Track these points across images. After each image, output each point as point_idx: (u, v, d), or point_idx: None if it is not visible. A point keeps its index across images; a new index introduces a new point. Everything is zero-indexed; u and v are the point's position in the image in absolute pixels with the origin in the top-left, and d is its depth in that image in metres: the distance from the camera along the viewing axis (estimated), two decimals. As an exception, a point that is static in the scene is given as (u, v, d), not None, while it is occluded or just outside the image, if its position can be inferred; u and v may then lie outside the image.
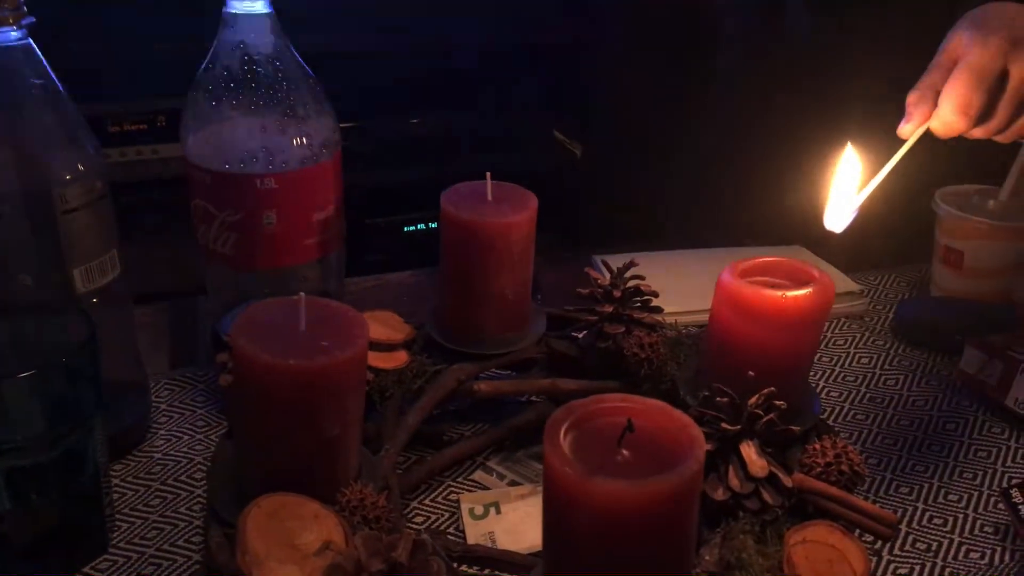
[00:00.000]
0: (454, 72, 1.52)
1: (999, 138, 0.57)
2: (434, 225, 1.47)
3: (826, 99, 0.98)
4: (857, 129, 0.58)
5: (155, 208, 1.26)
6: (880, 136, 0.57)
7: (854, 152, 0.53)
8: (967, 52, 0.53)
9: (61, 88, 0.52)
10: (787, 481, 0.46)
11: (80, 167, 0.52)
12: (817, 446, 0.49)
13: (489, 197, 0.57)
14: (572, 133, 1.57)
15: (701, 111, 1.31)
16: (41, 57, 0.51)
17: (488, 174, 0.57)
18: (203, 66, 0.56)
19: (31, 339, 0.52)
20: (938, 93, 0.53)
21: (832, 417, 0.66)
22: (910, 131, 0.54)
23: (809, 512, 0.47)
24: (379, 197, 1.40)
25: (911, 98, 0.55)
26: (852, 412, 0.67)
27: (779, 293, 0.49)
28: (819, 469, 0.48)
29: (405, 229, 1.47)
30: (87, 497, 0.51)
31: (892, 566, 0.53)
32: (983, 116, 0.54)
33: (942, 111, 0.52)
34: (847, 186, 0.53)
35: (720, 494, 0.45)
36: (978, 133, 0.55)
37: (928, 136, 0.56)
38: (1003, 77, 0.53)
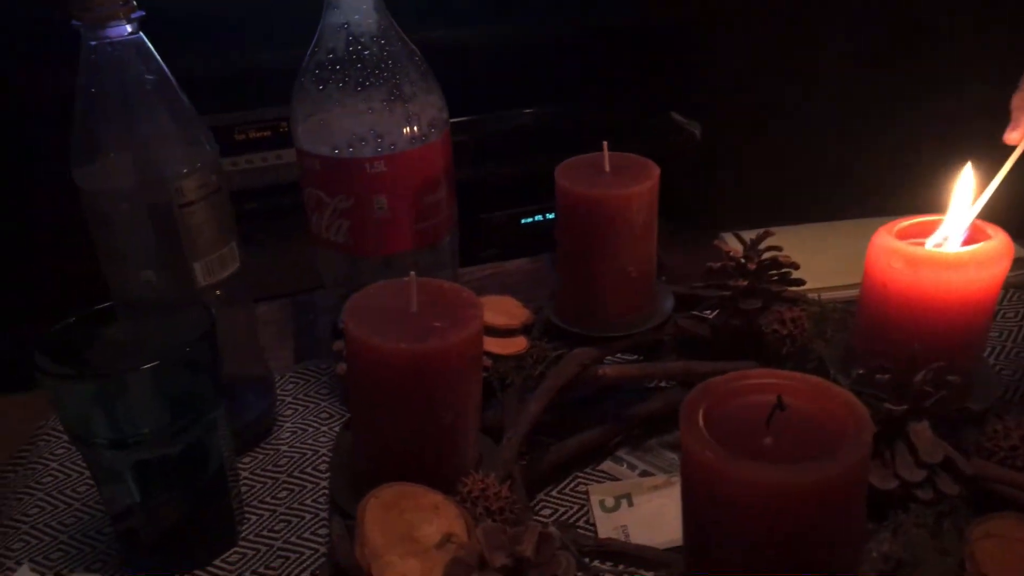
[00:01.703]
0: (564, 59, 1.49)
1: None
2: (551, 216, 1.45)
3: (952, 64, 0.90)
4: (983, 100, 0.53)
5: (281, 213, 1.29)
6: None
7: (971, 170, 0.49)
8: None
9: (174, 82, 0.52)
10: (966, 467, 0.40)
11: (195, 160, 0.52)
12: (999, 428, 0.42)
13: (607, 168, 0.54)
14: (690, 114, 1.51)
15: (821, 84, 1.24)
16: (153, 51, 0.51)
17: (605, 143, 0.53)
18: (309, 51, 0.56)
19: (155, 335, 0.53)
20: None
21: (1007, 398, 0.58)
22: (1018, 138, 0.50)
23: (991, 504, 0.41)
24: (494, 191, 1.39)
25: (1016, 101, 0.51)
26: (1031, 392, 0.59)
27: (949, 250, 0.42)
28: (1002, 454, 0.42)
29: (522, 222, 1.45)
30: (214, 490, 0.51)
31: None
32: None
33: None
34: (962, 202, 0.48)
35: (887, 483, 0.40)
36: None
37: None
38: None
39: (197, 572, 0.50)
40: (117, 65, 0.50)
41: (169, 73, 0.52)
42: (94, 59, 0.50)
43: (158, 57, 0.51)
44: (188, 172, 0.52)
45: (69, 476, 0.58)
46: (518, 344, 0.55)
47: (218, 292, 0.55)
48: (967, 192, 0.47)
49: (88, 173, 0.51)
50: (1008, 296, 0.69)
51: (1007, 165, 0.49)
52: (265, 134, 1.39)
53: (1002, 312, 0.68)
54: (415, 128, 0.55)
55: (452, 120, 0.59)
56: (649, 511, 0.52)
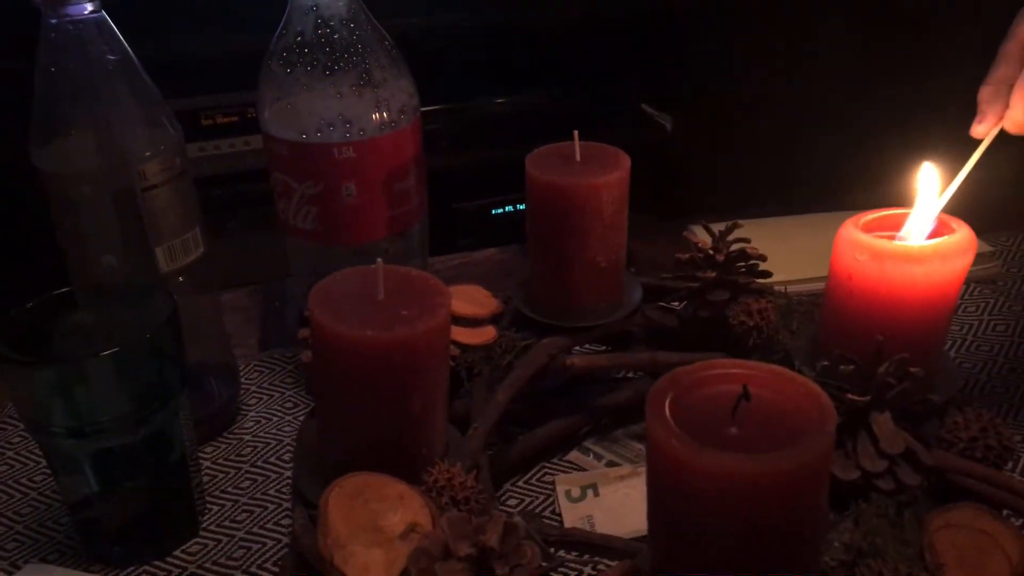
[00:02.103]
0: (537, 49, 1.48)
1: None
2: (523, 207, 1.44)
3: (928, 64, 0.91)
4: (960, 99, 0.54)
5: (249, 200, 1.27)
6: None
7: (931, 166, 0.50)
8: None
9: (137, 62, 0.51)
10: (926, 458, 0.41)
11: (159, 143, 0.51)
12: (959, 419, 0.43)
13: (577, 158, 0.54)
14: (661, 106, 1.51)
15: (793, 78, 1.25)
16: (116, 31, 0.50)
17: (576, 132, 0.53)
18: (276, 33, 0.55)
19: (117, 321, 0.51)
20: (1011, 87, 0.50)
21: (967, 390, 0.59)
22: (984, 131, 0.51)
23: (950, 494, 0.42)
24: (465, 180, 1.38)
25: (983, 94, 0.51)
26: (990, 384, 0.60)
27: (913, 243, 0.43)
28: (962, 445, 0.42)
29: (493, 212, 1.44)
30: (175, 480, 0.50)
31: (1047, 556, 0.47)
32: None
33: (1014, 113, 0.49)
34: (927, 196, 0.49)
35: (849, 473, 0.40)
36: None
37: None
38: None
39: (158, 562, 0.49)
40: (78, 44, 0.49)
41: (132, 53, 0.51)
42: (54, 37, 0.48)
43: (121, 37, 0.50)
44: (151, 155, 0.51)
45: (26, 465, 0.57)
46: (487, 334, 0.55)
47: (181, 278, 0.54)
48: (932, 186, 0.48)
49: (48, 154, 0.50)
50: (970, 290, 0.71)
51: (972, 159, 0.49)
52: (233, 119, 1.37)
53: (963, 306, 0.69)
54: (385, 114, 0.54)
55: (423, 109, 0.58)
56: (615, 501, 0.52)
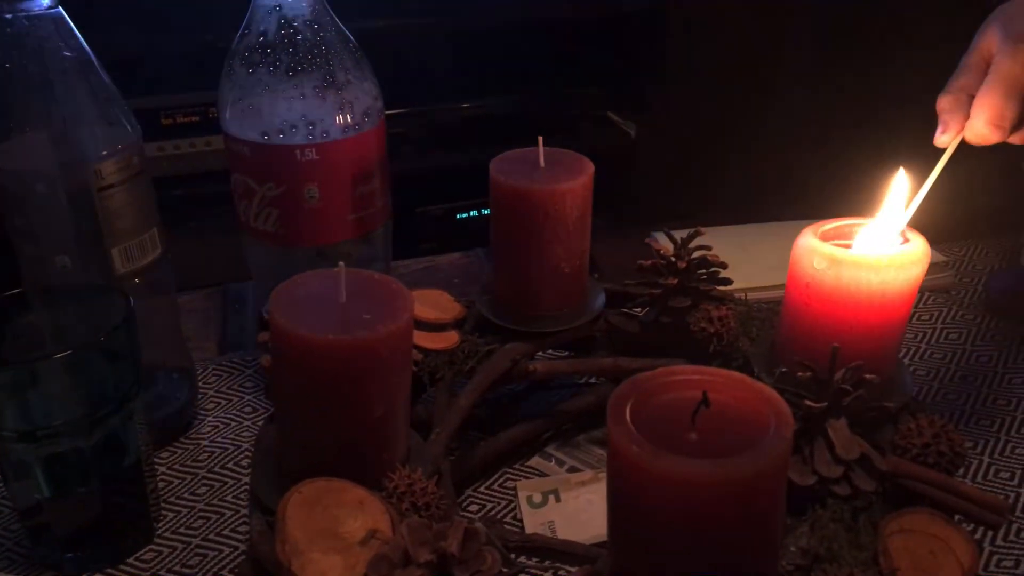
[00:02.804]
0: (503, 53, 1.48)
1: None
2: (487, 211, 1.44)
3: (896, 72, 0.93)
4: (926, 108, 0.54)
5: (210, 201, 1.25)
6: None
7: (905, 175, 0.50)
8: (997, 60, 0.50)
9: (94, 60, 0.50)
10: (881, 464, 0.41)
11: (116, 142, 0.50)
12: (912, 426, 0.44)
13: (541, 163, 0.54)
14: (626, 114, 1.52)
15: (760, 89, 1.26)
16: (73, 28, 0.49)
17: (540, 138, 0.53)
18: (239, 33, 0.54)
19: (70, 323, 0.50)
20: (971, 97, 0.50)
21: (920, 397, 0.61)
22: (947, 141, 0.51)
23: (904, 499, 0.43)
24: (429, 184, 1.37)
25: (943, 103, 0.52)
26: (942, 392, 0.62)
27: (870, 252, 0.44)
28: (915, 451, 0.43)
29: (458, 216, 1.44)
30: (130, 485, 0.49)
31: (995, 558, 0.48)
32: (1020, 124, 0.50)
33: (975, 123, 0.50)
34: (893, 206, 0.49)
35: (806, 479, 0.41)
36: (1016, 140, 0.52)
37: None
38: None
39: (111, 570, 0.48)
40: (34, 40, 0.48)
41: (89, 50, 0.50)
42: (9, 32, 0.47)
43: (78, 34, 0.49)
44: (108, 154, 0.50)
45: (-27, 470, 0.55)
46: (449, 339, 0.55)
47: (138, 280, 0.53)
48: (900, 196, 0.48)
49: (2, 152, 0.49)
50: (923, 299, 0.72)
51: (937, 168, 0.50)
52: (193, 119, 1.35)
53: (917, 315, 0.70)
54: (348, 116, 0.54)
55: (388, 112, 0.58)
56: (576, 507, 0.52)
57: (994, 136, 0.50)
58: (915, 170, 0.50)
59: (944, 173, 0.50)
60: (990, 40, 0.51)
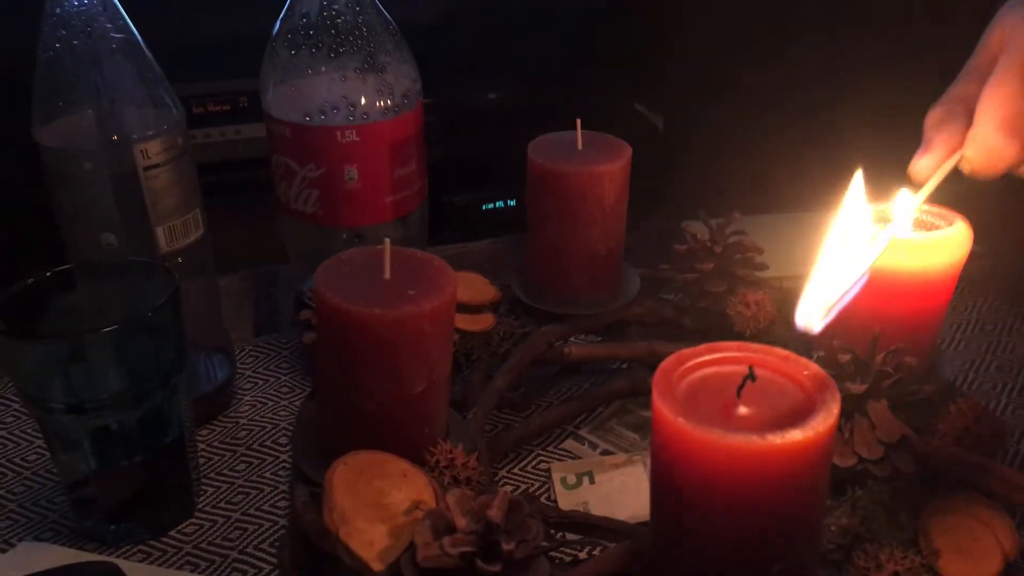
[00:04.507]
0: (531, 45, 1.48)
1: None
2: (512, 203, 1.44)
3: (931, 63, 0.91)
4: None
5: (239, 188, 1.27)
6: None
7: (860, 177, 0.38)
8: (1014, 42, 0.36)
9: (140, 41, 0.51)
10: (921, 446, 0.41)
11: (161, 123, 0.51)
12: (953, 409, 0.44)
13: (579, 146, 0.54)
14: (654, 106, 1.52)
15: (788, 83, 1.25)
16: (120, 8, 0.50)
17: (578, 120, 0.53)
18: (282, 15, 0.55)
19: (116, 300, 0.51)
20: (972, 108, 0.36)
21: (958, 384, 0.60)
22: (928, 168, 0.38)
23: (944, 482, 0.43)
24: (456, 174, 1.38)
25: (931, 117, 0.38)
26: (978, 382, 0.61)
27: (913, 234, 0.43)
28: (956, 434, 0.43)
29: (483, 207, 1.45)
30: (173, 459, 0.50)
31: (1033, 547, 0.48)
32: None
33: (980, 132, 0.35)
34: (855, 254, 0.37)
35: (847, 460, 0.41)
36: None
37: None
38: None
39: (153, 542, 0.49)
40: (82, 20, 0.48)
41: (136, 32, 0.50)
42: (58, 12, 0.48)
43: (125, 15, 0.50)
44: (153, 134, 0.51)
45: (19, 444, 0.56)
46: (485, 321, 0.55)
47: (180, 259, 0.54)
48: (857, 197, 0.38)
49: (50, 131, 0.50)
50: (959, 290, 0.71)
51: (923, 194, 0.39)
52: (224, 108, 1.36)
53: (953, 306, 0.70)
54: (388, 99, 0.55)
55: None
56: (610, 489, 0.52)
57: (1010, 147, 0.35)
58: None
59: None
60: (1002, 29, 0.38)
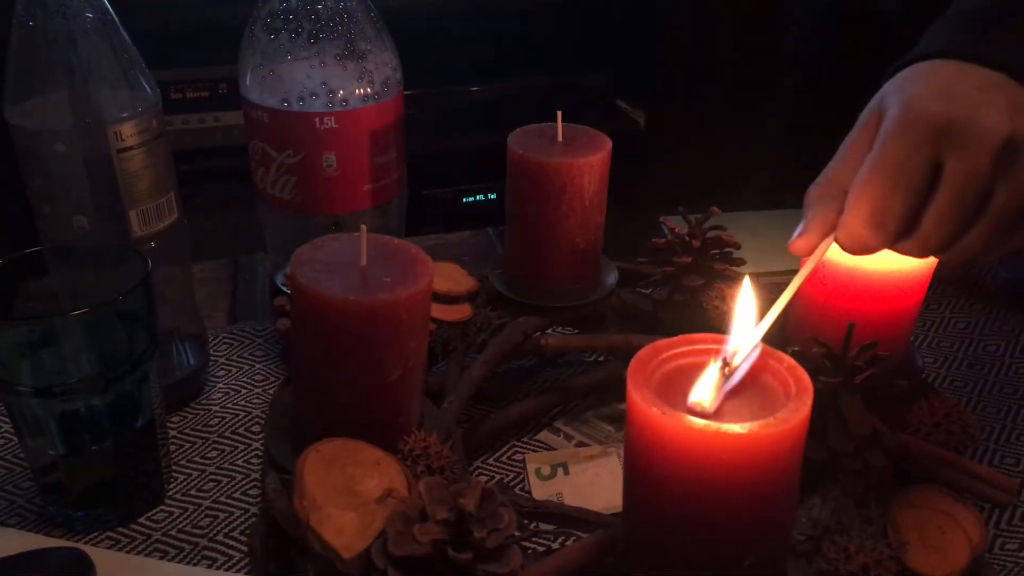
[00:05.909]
0: (514, 40, 1.48)
1: (944, 258, 0.40)
2: (493, 196, 1.44)
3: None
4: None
5: (216, 176, 1.25)
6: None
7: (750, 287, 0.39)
8: (883, 136, 0.38)
9: (116, 21, 0.50)
10: (892, 441, 0.42)
11: (136, 104, 0.50)
12: (924, 405, 0.44)
13: (559, 138, 0.54)
14: (635, 102, 1.52)
15: (768, 81, 1.26)
16: (96, -13, 0.49)
17: (559, 112, 0.53)
18: (261, -1, 0.54)
19: (88, 283, 0.51)
20: (846, 192, 0.39)
21: (930, 381, 0.61)
22: (804, 248, 0.39)
23: (913, 476, 0.43)
24: (436, 167, 1.38)
25: (810, 197, 0.40)
26: (950, 379, 0.62)
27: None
28: (926, 430, 0.43)
29: (464, 200, 1.44)
30: (143, 445, 0.49)
31: (1000, 540, 0.48)
32: (908, 227, 0.38)
33: (848, 221, 0.38)
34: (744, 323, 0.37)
35: (818, 453, 0.41)
36: (909, 250, 0.39)
37: None
38: (935, 174, 0.38)
39: (121, 529, 0.49)
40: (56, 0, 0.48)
41: (112, 12, 0.50)
42: (32, -10, 0.47)
43: (101, -7, 0.49)
44: (128, 116, 0.50)
45: (-14, 429, 0.55)
46: (462, 311, 0.55)
47: (154, 243, 0.53)
48: (749, 311, 0.38)
49: (22, 111, 0.49)
50: (932, 289, 0.72)
51: (794, 282, 0.40)
52: (203, 95, 1.35)
53: (926, 304, 0.70)
54: (368, 86, 0.54)
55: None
56: (584, 480, 0.53)
57: (874, 239, 0.38)
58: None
59: None
60: (878, 114, 0.39)
